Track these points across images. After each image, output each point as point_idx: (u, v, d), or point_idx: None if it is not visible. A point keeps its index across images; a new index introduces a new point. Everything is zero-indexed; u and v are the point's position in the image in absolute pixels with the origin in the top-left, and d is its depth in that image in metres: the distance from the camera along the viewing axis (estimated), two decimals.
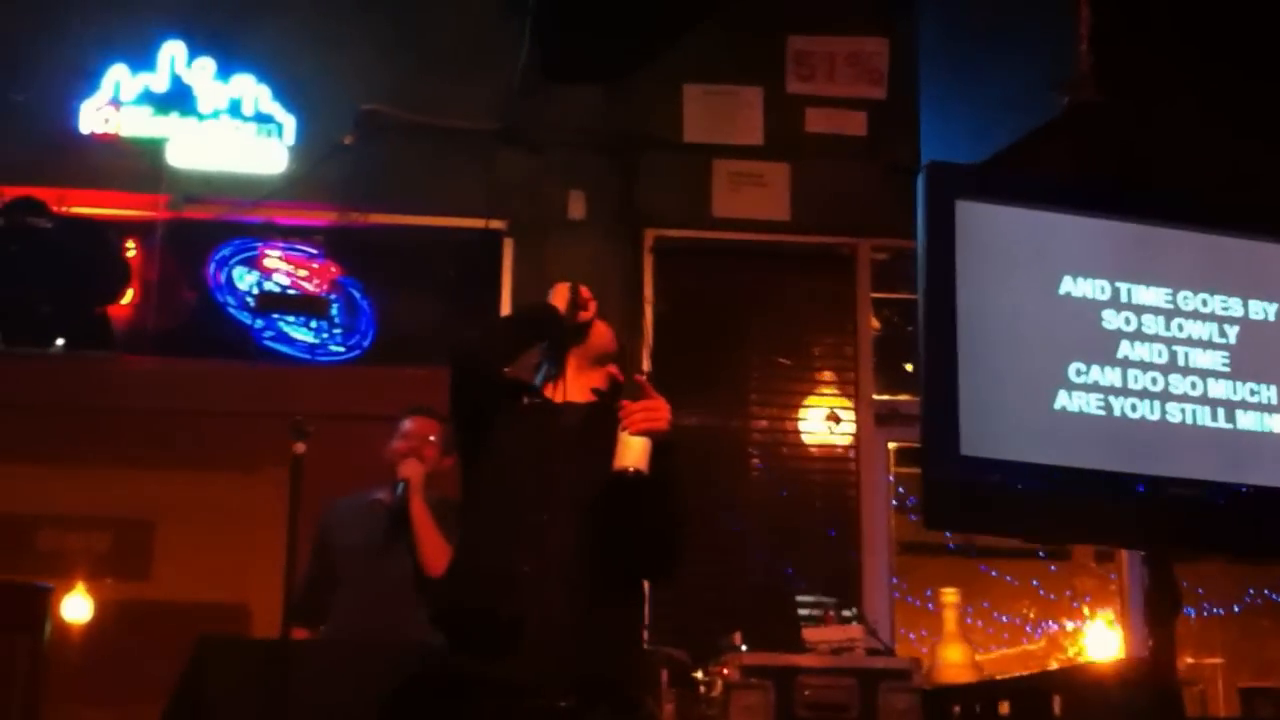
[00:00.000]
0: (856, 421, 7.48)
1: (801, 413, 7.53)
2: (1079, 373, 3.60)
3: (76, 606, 7.18)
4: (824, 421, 7.45)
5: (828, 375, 7.59)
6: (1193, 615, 8.04)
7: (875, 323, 7.64)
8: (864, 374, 7.54)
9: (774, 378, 7.55)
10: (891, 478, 7.47)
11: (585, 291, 3.90)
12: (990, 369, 3.55)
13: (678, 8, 7.50)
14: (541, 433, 3.70)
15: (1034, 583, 8.59)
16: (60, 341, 7.29)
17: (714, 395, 7.39)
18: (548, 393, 3.83)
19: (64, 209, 7.27)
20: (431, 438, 5.36)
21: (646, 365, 7.19)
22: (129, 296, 7.43)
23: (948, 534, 6.45)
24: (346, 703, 4.72)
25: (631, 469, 3.42)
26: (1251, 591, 8.75)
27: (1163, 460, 3.60)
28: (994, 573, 8.53)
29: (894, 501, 7.47)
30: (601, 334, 3.92)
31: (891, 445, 7.52)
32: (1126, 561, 7.17)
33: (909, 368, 7.67)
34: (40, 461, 7.21)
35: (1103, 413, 3.57)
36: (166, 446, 7.31)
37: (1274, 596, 8.74)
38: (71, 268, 7.26)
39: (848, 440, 7.48)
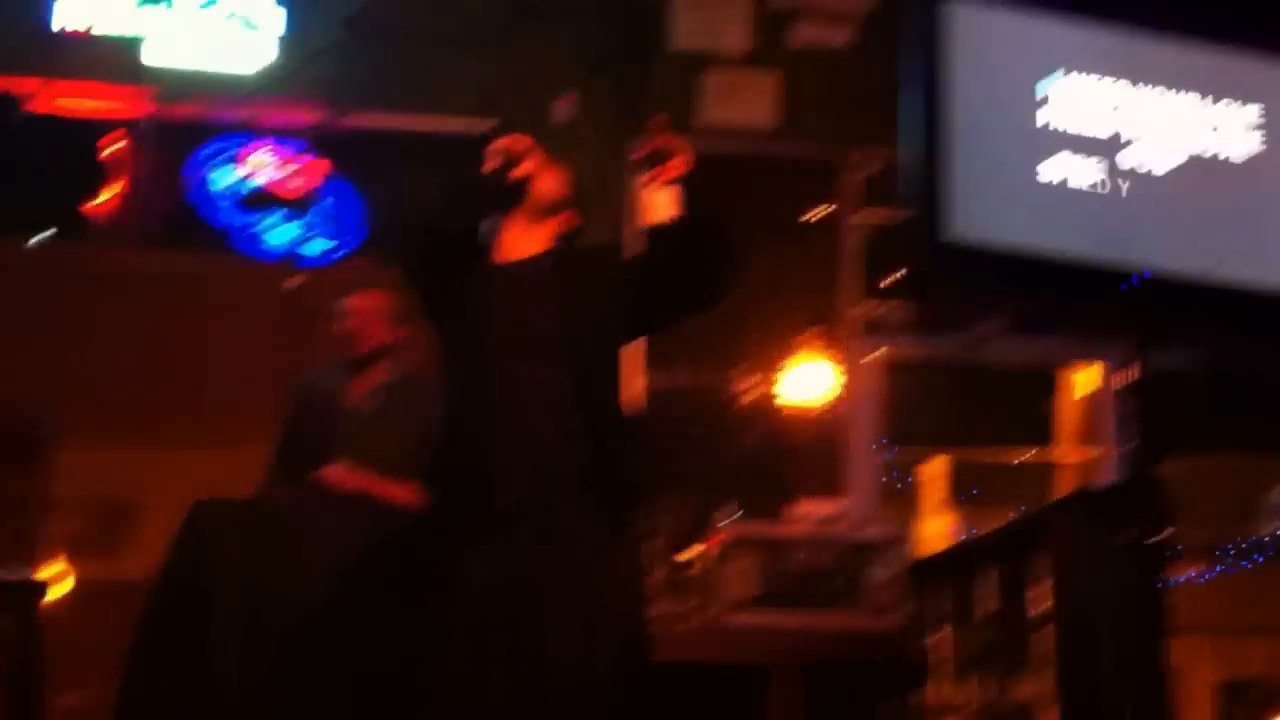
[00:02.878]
0: (841, 327, 7.46)
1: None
2: (1068, 162, 3.62)
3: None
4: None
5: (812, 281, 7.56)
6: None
7: (861, 229, 7.63)
8: (847, 279, 7.53)
9: (757, 282, 7.50)
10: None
11: (519, 144, 3.67)
12: (980, 155, 3.57)
13: None
14: (495, 294, 3.59)
15: None
16: (40, 236, 7.24)
17: None
18: (499, 256, 3.67)
19: (40, 105, 7.19)
20: (379, 313, 5.16)
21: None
22: (109, 194, 7.35)
23: None
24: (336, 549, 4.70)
25: (669, 219, 3.53)
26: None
27: (1151, 247, 3.64)
28: None
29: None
30: (545, 185, 3.70)
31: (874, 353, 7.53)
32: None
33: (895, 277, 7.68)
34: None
35: (1093, 196, 3.60)
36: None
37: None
38: (49, 164, 7.20)
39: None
